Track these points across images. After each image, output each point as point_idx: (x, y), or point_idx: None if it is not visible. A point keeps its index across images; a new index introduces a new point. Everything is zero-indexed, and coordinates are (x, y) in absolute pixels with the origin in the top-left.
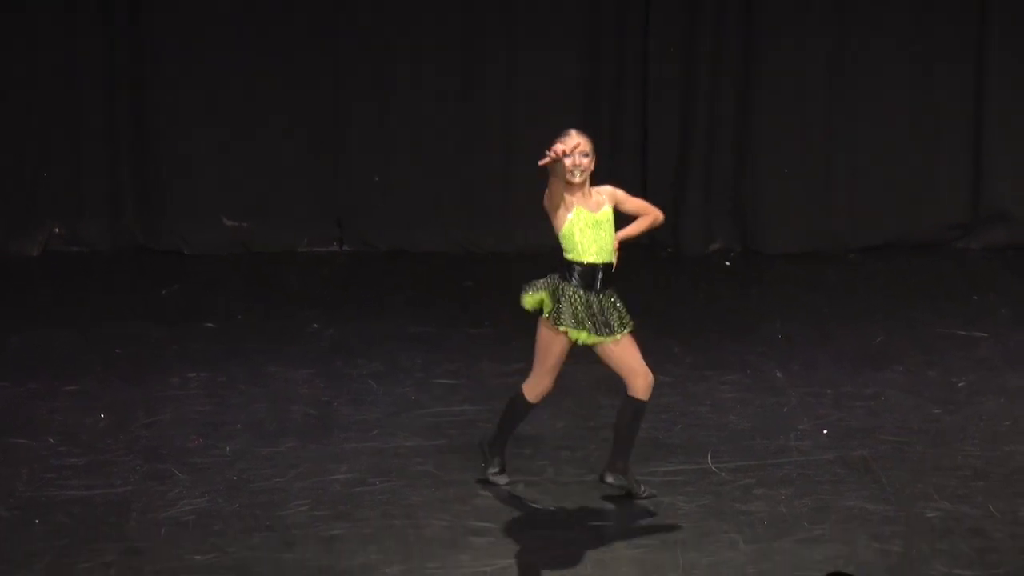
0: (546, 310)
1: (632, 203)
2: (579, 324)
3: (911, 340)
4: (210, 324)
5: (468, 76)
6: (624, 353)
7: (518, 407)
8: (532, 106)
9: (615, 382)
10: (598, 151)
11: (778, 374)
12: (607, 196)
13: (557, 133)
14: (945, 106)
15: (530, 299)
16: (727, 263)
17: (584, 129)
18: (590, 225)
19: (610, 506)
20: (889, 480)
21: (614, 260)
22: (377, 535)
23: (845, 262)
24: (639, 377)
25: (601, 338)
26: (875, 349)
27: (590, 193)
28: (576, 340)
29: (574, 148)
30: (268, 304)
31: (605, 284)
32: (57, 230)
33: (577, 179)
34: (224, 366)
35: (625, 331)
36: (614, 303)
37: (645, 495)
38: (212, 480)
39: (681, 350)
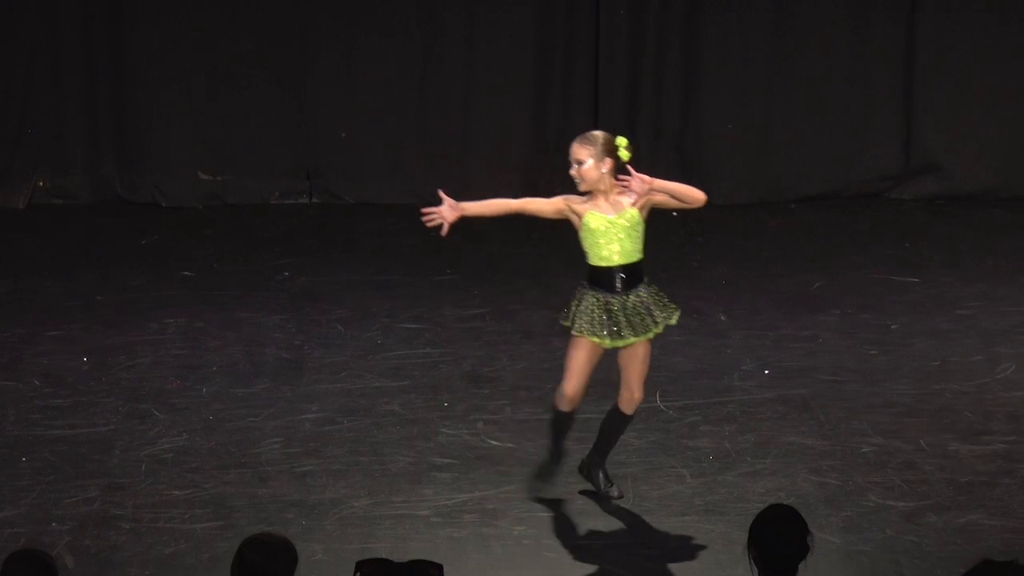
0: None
1: (668, 185)
2: (595, 330)
3: (847, 285)
4: (187, 272)
5: (427, 35)
6: (635, 360)
7: (554, 418)
8: (488, 63)
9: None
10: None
11: (722, 317)
12: (634, 196)
13: (508, 90)
14: (878, 61)
15: (566, 323)
16: (674, 213)
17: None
18: (603, 228)
19: (566, 443)
20: (826, 417)
21: (636, 261)
22: (345, 471)
23: (785, 212)
24: (632, 391)
25: (627, 340)
26: (813, 294)
27: (612, 195)
28: (603, 345)
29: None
30: (242, 253)
31: (629, 285)
32: (41, 183)
33: (581, 187)
34: (200, 312)
35: (658, 329)
36: (643, 302)
37: (614, 495)
38: (189, 420)
39: None
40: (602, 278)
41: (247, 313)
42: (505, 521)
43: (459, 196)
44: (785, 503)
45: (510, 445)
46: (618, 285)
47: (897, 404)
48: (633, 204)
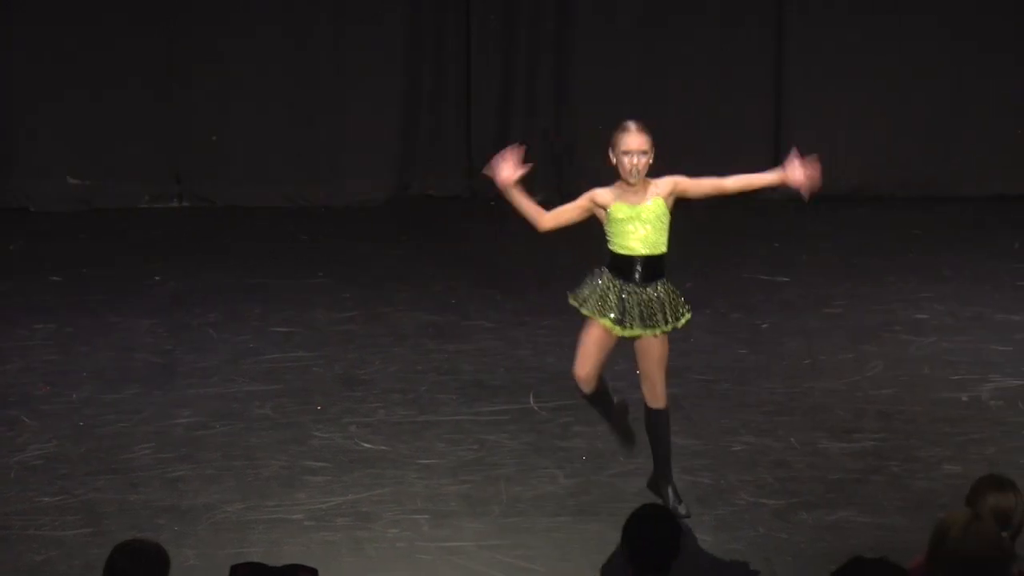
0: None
1: (698, 187)
2: (604, 312)
3: (718, 285)
4: (56, 278)
5: (295, 37)
6: (648, 358)
7: (588, 401)
8: (358, 66)
9: (443, 327)
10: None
11: None
12: (663, 188)
13: (379, 92)
14: (747, 64)
15: (572, 299)
16: None
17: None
18: (627, 218)
19: (439, 445)
20: (698, 416)
21: (659, 254)
22: (218, 476)
23: None
24: (652, 386)
25: (634, 331)
26: (684, 293)
27: (642, 187)
28: (613, 332)
29: (634, 149)
30: (111, 258)
31: (648, 278)
32: None
33: (632, 180)
34: (69, 317)
35: (666, 328)
36: (659, 298)
37: (682, 513)
38: (59, 426)
39: (503, 297)
40: (623, 266)
41: (117, 318)
42: (379, 524)
43: (331, 198)
44: (658, 503)
45: (383, 448)
46: (637, 275)
47: (768, 403)
48: (664, 197)
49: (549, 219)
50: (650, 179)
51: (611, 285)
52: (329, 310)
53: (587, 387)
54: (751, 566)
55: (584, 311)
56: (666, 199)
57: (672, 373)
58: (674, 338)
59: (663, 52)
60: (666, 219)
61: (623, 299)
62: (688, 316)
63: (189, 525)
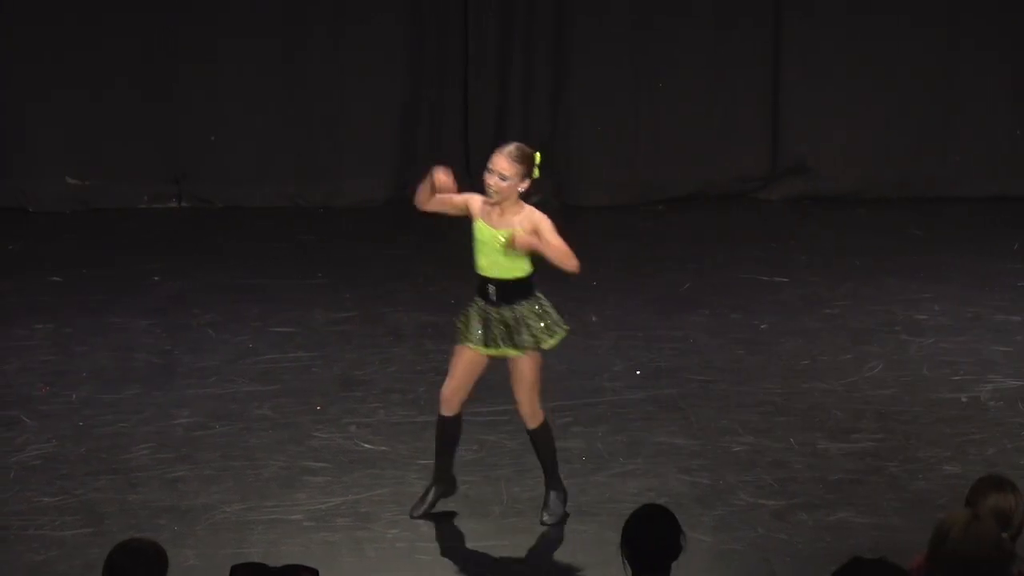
0: None
1: (546, 245)
2: (468, 335)
3: (716, 286)
4: (55, 278)
5: (294, 37)
6: (516, 378)
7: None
8: (356, 66)
9: (443, 327)
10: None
11: (593, 318)
12: (527, 222)
13: (378, 93)
14: (744, 63)
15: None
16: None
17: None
18: (483, 239)
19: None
20: (696, 416)
21: (513, 278)
22: (218, 476)
23: (654, 213)
24: (521, 406)
25: (500, 350)
26: (683, 294)
27: (511, 212)
28: (477, 351)
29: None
30: (111, 258)
31: (500, 299)
32: None
33: (492, 198)
34: (69, 318)
35: (527, 350)
36: (518, 318)
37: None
38: (59, 426)
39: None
40: (480, 285)
41: (116, 318)
42: (379, 524)
43: (330, 199)
44: (657, 503)
45: (383, 448)
46: (491, 296)
47: (767, 403)
48: (514, 244)
49: (432, 202)
50: (526, 207)
51: (475, 306)
52: (328, 310)
53: (447, 408)
54: (750, 566)
55: (456, 334)
56: (526, 228)
57: (670, 373)
58: (671, 337)
59: (659, 54)
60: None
61: (487, 320)
62: (559, 336)
63: (188, 525)
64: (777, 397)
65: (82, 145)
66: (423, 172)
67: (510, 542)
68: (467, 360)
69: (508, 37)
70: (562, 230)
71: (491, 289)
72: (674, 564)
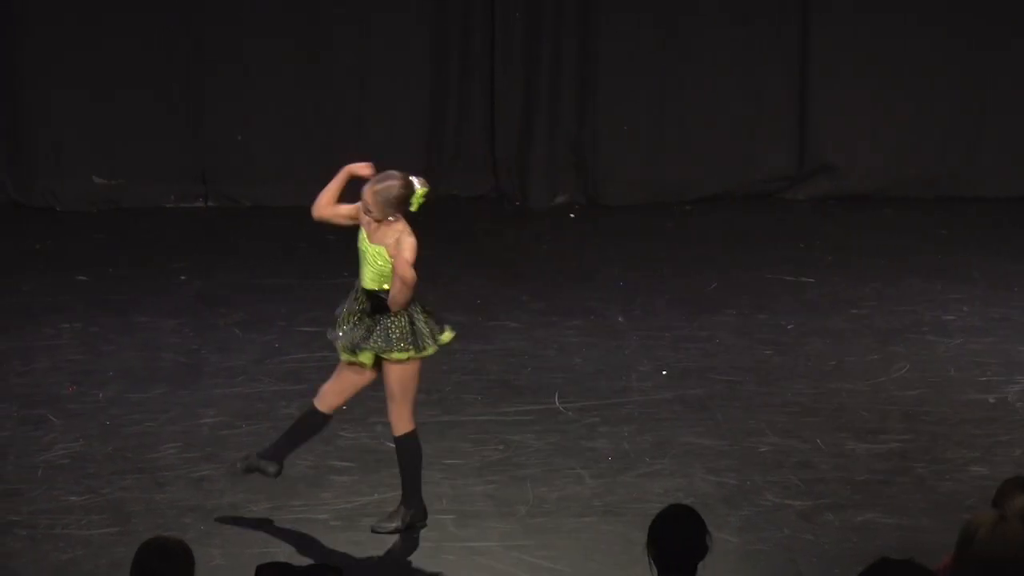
0: None
1: (396, 259)
2: (336, 329)
3: (742, 286)
4: (82, 277)
5: (320, 37)
6: (388, 387)
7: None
8: (382, 66)
9: (467, 328)
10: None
11: (619, 319)
12: (393, 239)
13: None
14: (772, 63)
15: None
16: (571, 215)
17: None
18: (362, 248)
19: (465, 445)
20: (723, 417)
21: (379, 290)
22: (244, 475)
23: (681, 213)
24: (391, 415)
25: (351, 355)
26: (709, 294)
27: (387, 228)
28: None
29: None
30: (138, 258)
31: (372, 310)
32: None
33: (369, 215)
34: (96, 317)
35: (363, 357)
36: (377, 327)
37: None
38: (86, 425)
39: (528, 297)
40: (357, 291)
41: (143, 318)
42: None
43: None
44: (683, 503)
45: None
46: (359, 304)
47: (793, 404)
48: (391, 248)
49: (325, 210)
50: (400, 225)
51: (351, 305)
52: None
53: (321, 403)
54: (777, 567)
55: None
56: (391, 252)
57: (696, 373)
58: (698, 338)
59: (686, 53)
60: (380, 263)
61: (353, 321)
62: (406, 354)
63: (215, 524)
64: (804, 398)
65: (109, 145)
66: (449, 171)
67: (536, 542)
68: (343, 366)
69: (535, 36)
70: (589, 229)
71: (359, 297)
72: (700, 564)
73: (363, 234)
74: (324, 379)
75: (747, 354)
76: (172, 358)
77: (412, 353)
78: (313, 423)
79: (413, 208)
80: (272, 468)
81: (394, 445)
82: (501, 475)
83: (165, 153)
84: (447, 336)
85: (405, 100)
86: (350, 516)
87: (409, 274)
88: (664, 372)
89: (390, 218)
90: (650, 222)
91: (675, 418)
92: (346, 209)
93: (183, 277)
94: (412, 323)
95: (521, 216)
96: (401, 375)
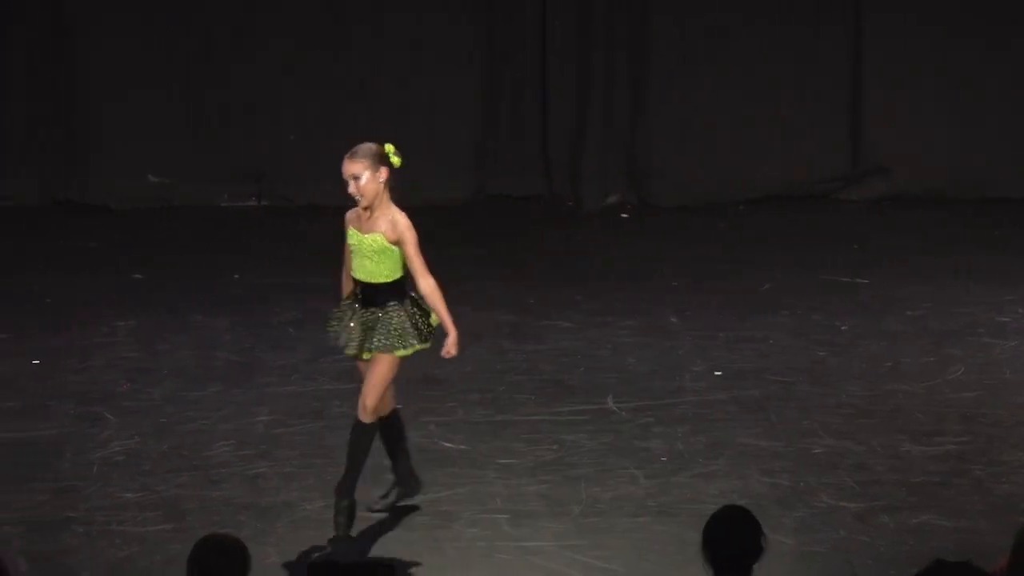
0: None
1: (409, 263)
2: (336, 332)
3: (797, 287)
4: (137, 275)
5: (374, 39)
6: (372, 372)
7: None
8: (436, 66)
9: (519, 327)
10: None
11: (673, 319)
12: (390, 227)
13: (457, 93)
14: (826, 63)
15: None
16: (624, 215)
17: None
18: (353, 243)
19: (518, 445)
20: (778, 418)
21: (379, 282)
22: (298, 474)
23: (734, 214)
24: (363, 397)
25: (353, 352)
26: (763, 295)
27: (379, 215)
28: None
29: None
30: (192, 256)
31: (367, 303)
32: None
33: (362, 204)
34: (151, 315)
35: (379, 352)
36: (376, 322)
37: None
38: (141, 423)
39: (582, 297)
40: (356, 288)
41: (197, 316)
42: (458, 523)
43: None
44: (738, 504)
45: (462, 447)
46: (358, 299)
47: (848, 405)
48: (387, 234)
49: (345, 272)
50: (393, 210)
51: (344, 305)
52: None
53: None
54: (832, 569)
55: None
56: (389, 238)
57: (751, 374)
58: (752, 338)
59: (739, 53)
60: (389, 255)
61: (347, 319)
62: (409, 351)
63: (269, 522)
64: (859, 399)
65: (164, 143)
66: (502, 171)
67: (590, 542)
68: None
69: (586, 36)
70: (641, 230)
71: (358, 293)
72: (755, 566)
73: (352, 231)
74: None
75: (801, 355)
76: (226, 356)
77: (417, 346)
78: (390, 432)
79: (397, 163)
80: (413, 486)
81: (353, 428)
82: (554, 475)
83: (219, 152)
84: (434, 319)
85: (457, 101)
86: (404, 514)
87: (420, 264)
88: (718, 373)
89: (380, 180)
90: (703, 223)
91: (729, 419)
92: (345, 254)
93: (236, 276)
94: (408, 319)
95: (573, 216)
96: (388, 366)
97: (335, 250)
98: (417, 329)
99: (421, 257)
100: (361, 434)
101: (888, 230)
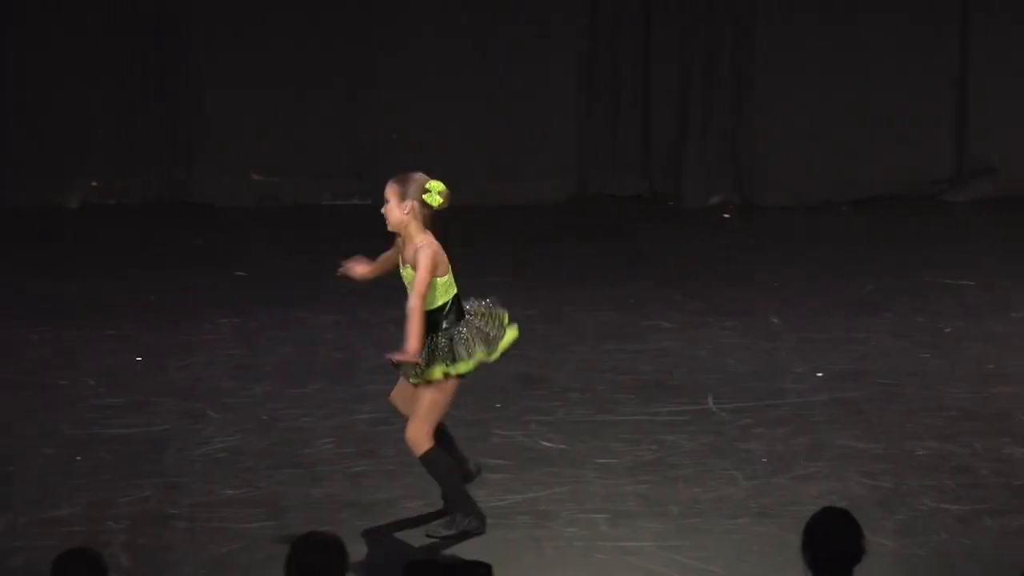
0: None
1: (416, 278)
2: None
3: (900, 288)
4: (241, 273)
5: (478, 38)
6: (415, 400)
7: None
8: (538, 64)
9: (622, 327)
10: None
11: (774, 320)
12: (413, 258)
13: (559, 92)
14: (932, 62)
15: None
16: (726, 215)
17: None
18: (400, 273)
19: (618, 444)
20: (880, 420)
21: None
22: (399, 472)
23: (837, 214)
24: (406, 430)
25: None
26: (866, 296)
27: (411, 246)
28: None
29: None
30: (295, 254)
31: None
32: (95, 183)
33: (388, 226)
34: (254, 312)
35: (418, 380)
36: (432, 347)
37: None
38: (243, 419)
39: (682, 298)
40: None
41: (301, 313)
42: (557, 523)
43: (511, 197)
44: (838, 506)
45: (562, 446)
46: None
47: (951, 408)
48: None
49: (381, 261)
50: (420, 239)
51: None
52: (508, 308)
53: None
54: (934, 572)
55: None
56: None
57: (852, 376)
58: (854, 340)
59: (844, 54)
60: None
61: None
62: (423, 377)
63: (370, 521)
64: (962, 402)
65: (268, 141)
66: (604, 171)
67: (689, 543)
68: (401, 385)
69: (690, 35)
70: (744, 230)
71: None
72: (855, 568)
73: (402, 266)
74: (478, 377)
75: (904, 357)
76: (328, 354)
77: (447, 368)
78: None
79: (435, 204)
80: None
81: (423, 464)
82: (654, 475)
83: (323, 150)
84: (511, 334)
85: (559, 100)
86: (503, 514)
87: (421, 287)
88: (819, 374)
89: (404, 211)
90: (806, 223)
91: (830, 421)
92: (385, 257)
93: (339, 273)
94: (443, 345)
95: (676, 216)
96: (421, 395)
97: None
98: (441, 355)
99: (427, 284)
100: (433, 462)
101: (993, 231)
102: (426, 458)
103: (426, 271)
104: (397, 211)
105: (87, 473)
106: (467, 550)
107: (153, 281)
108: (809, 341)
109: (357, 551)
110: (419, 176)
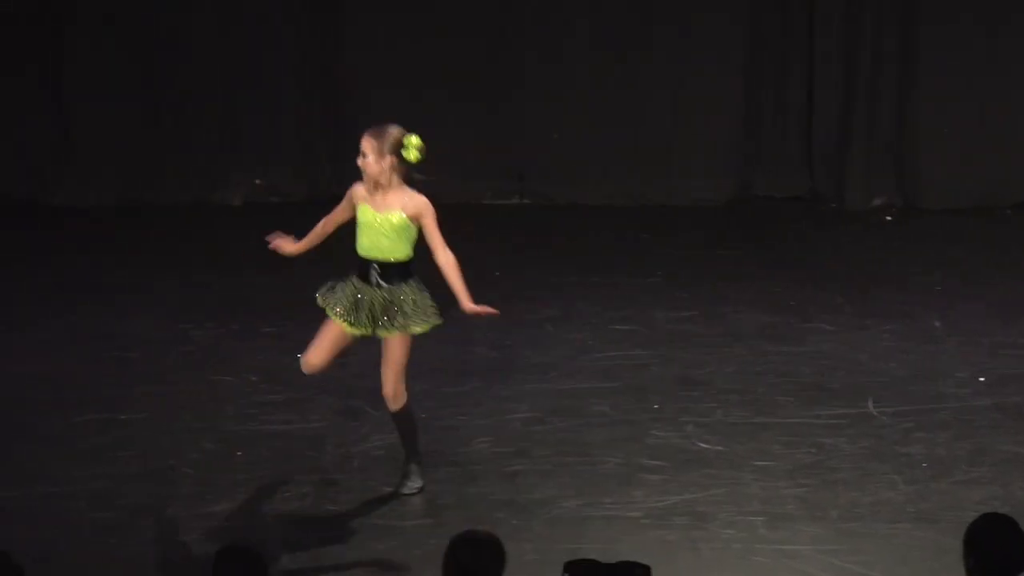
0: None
1: (429, 237)
2: (335, 310)
3: None
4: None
5: (638, 35)
6: (386, 356)
7: None
8: (699, 67)
9: (782, 329)
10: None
11: (936, 324)
12: (411, 207)
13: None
14: None
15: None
16: (888, 218)
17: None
18: (366, 220)
19: (776, 447)
20: None
21: (395, 260)
22: (555, 471)
23: (1000, 217)
24: (384, 387)
25: (364, 330)
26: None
27: (393, 195)
28: (344, 329)
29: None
30: (454, 252)
31: (386, 279)
32: (258, 181)
33: (364, 179)
34: None
35: (400, 331)
36: (394, 300)
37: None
38: None
39: (843, 300)
40: (361, 266)
41: (457, 312)
42: (715, 524)
43: (671, 198)
44: (1001, 512)
45: (720, 448)
46: (372, 278)
47: None
48: (410, 215)
49: (323, 225)
50: (408, 190)
51: (351, 286)
52: (667, 309)
53: (308, 369)
54: None
55: (320, 303)
56: (411, 217)
57: (1016, 380)
58: (1017, 344)
59: (1007, 52)
60: (406, 233)
61: (358, 299)
62: (432, 323)
63: (526, 520)
64: None
65: (427, 140)
66: (765, 172)
67: (848, 547)
68: (332, 332)
69: (854, 36)
70: (906, 232)
71: (372, 271)
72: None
73: (365, 207)
74: (636, 377)
75: None
76: (485, 353)
77: (434, 322)
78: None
79: (412, 158)
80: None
81: (392, 420)
82: (813, 478)
83: (482, 150)
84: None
85: (720, 100)
86: (660, 515)
87: (440, 237)
88: (982, 379)
89: (383, 165)
90: (968, 226)
91: (993, 426)
92: (343, 203)
93: (497, 272)
94: (421, 296)
95: (837, 218)
96: (404, 347)
97: (594, 249)
98: (432, 306)
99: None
100: (401, 422)
101: None
102: (405, 411)
103: (434, 220)
104: (375, 165)
105: (247, 468)
106: (624, 551)
107: (313, 279)
108: (971, 345)
109: (514, 550)
110: (396, 130)
